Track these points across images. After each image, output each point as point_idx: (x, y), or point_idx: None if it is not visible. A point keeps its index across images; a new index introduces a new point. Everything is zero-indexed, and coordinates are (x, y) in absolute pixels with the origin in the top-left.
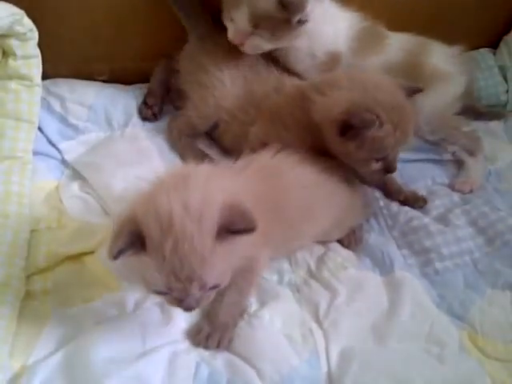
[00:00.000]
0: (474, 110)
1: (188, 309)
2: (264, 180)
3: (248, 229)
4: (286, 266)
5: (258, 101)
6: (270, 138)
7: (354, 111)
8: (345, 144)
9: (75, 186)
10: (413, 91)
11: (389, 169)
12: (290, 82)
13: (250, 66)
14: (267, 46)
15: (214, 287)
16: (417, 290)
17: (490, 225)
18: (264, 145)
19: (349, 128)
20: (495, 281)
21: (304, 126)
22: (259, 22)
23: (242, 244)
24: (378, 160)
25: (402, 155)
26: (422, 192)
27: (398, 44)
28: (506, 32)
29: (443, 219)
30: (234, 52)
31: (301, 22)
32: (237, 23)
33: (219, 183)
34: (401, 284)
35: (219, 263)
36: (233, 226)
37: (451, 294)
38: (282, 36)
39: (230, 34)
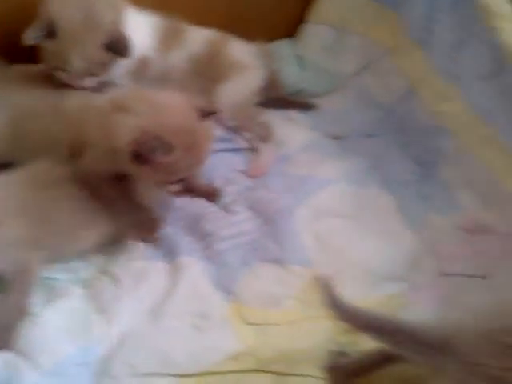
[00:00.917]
0: (282, 100)
1: None
2: (34, 190)
3: None
4: (79, 264)
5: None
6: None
7: (141, 140)
8: (140, 168)
9: None
10: (208, 113)
11: (189, 189)
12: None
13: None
14: (102, 78)
15: None
16: (196, 272)
17: (264, 208)
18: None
19: (139, 155)
20: (264, 256)
21: (106, 147)
22: (92, 66)
23: None
24: (176, 182)
25: None
26: (221, 180)
27: (198, 36)
28: (302, 22)
29: (228, 206)
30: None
31: None
32: (70, 72)
33: None
34: (183, 268)
35: None
36: None
37: (227, 271)
38: (112, 66)
39: (66, 80)
